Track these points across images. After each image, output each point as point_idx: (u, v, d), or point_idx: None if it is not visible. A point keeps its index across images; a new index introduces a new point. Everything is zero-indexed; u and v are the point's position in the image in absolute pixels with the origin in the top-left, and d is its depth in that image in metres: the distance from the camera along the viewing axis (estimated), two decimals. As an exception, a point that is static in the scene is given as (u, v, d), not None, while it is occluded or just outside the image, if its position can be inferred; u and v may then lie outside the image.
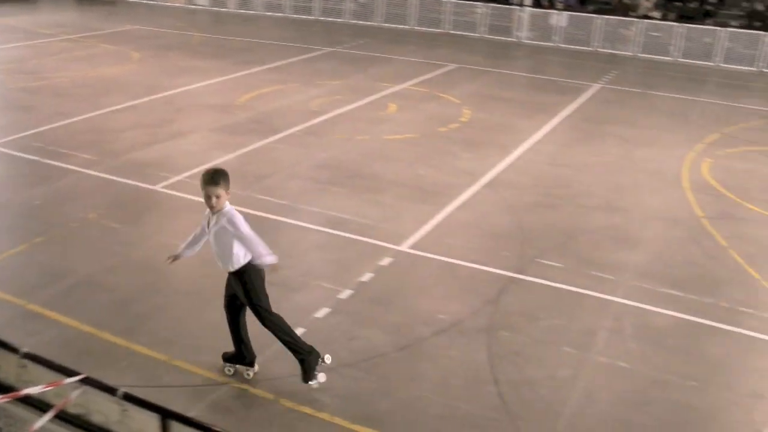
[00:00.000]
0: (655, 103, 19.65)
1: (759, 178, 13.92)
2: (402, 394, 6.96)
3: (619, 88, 21.22)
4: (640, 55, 26.50)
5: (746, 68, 25.31)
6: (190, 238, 6.87)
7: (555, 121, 16.83)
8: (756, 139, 16.72)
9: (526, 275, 9.40)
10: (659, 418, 6.88)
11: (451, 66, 22.54)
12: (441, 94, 18.58)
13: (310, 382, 6.84)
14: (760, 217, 11.97)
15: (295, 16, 30.88)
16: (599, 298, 8.98)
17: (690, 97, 20.79)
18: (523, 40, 28.06)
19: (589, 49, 27.07)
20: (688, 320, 8.67)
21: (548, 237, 10.57)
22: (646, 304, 8.91)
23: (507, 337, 7.99)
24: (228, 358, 7.14)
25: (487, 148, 14.41)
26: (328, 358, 7.04)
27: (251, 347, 7.07)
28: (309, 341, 6.95)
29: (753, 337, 8.46)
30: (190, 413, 6.07)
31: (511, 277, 9.33)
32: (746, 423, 6.98)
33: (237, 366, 7.11)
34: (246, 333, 7.04)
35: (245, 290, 6.66)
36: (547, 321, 8.36)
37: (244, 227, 6.45)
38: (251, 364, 7.08)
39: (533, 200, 11.93)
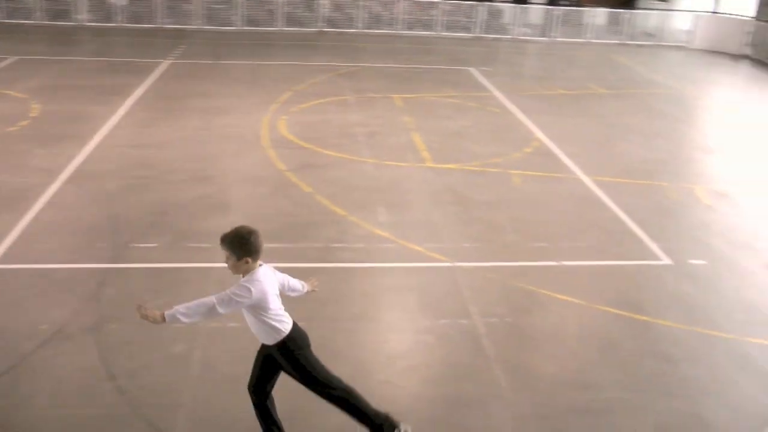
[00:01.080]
0: (228, 72, 20.13)
1: (330, 126, 15.04)
2: (16, 421, 6.35)
3: (189, 62, 21.33)
4: (205, 27, 26.88)
5: (308, 30, 27.11)
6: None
7: (130, 102, 16.36)
8: (324, 92, 18.01)
9: (124, 263, 9.11)
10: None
11: (11, 59, 20.52)
12: (4, 91, 16.93)
13: None
14: (336, 160, 12.93)
15: None
16: (200, 267, 9.02)
17: (260, 62, 21.68)
18: (84, 23, 26.74)
19: (154, 26, 26.78)
20: (289, 267, 8.96)
21: (140, 220, 10.33)
22: (245, 262, 9.14)
23: (115, 329, 7.70)
24: None
25: (62, 141, 13.54)
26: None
27: None
28: None
29: (348, 267, 9.24)
30: None
31: (109, 268, 8.97)
32: (352, 344, 7.66)
33: None
34: (277, 417, 5.98)
35: (294, 365, 5.72)
36: (153, 302, 8.05)
37: (225, 293, 5.43)
38: None
39: (119, 186, 11.53)
